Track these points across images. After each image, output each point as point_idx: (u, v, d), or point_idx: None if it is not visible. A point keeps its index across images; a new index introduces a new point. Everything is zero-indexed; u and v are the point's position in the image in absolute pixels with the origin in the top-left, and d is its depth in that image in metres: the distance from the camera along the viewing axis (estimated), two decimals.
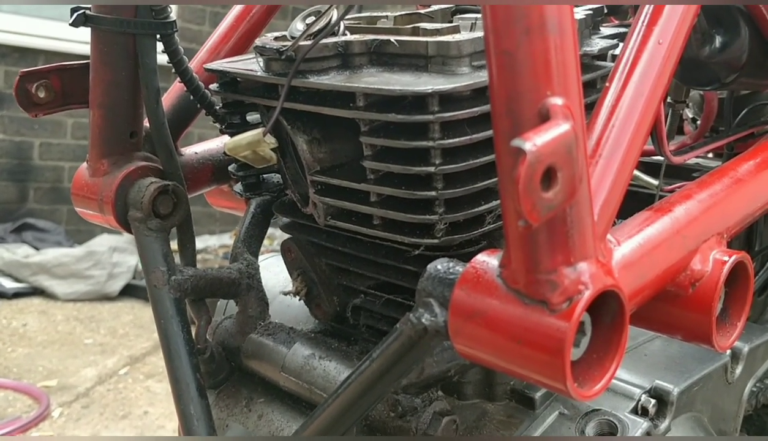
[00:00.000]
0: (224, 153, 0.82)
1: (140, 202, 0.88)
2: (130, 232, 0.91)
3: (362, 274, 0.88)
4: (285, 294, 0.94)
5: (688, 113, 1.46)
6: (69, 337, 3.86)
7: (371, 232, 0.79)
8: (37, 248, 4.38)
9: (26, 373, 3.29)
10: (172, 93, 1.00)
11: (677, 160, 0.82)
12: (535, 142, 0.47)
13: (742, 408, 0.99)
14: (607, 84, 0.65)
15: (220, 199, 1.10)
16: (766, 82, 1.03)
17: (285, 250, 0.93)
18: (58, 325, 4.04)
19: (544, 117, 0.51)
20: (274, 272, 1.07)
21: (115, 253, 4.37)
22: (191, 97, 0.94)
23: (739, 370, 0.96)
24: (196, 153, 1.01)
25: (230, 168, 0.92)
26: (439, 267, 0.62)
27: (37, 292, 4.25)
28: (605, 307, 0.57)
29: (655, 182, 1.13)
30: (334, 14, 0.79)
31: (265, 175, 0.96)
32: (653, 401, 0.82)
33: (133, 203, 0.89)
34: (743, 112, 1.16)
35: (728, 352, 0.94)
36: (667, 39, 0.65)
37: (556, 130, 0.49)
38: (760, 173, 0.76)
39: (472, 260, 0.59)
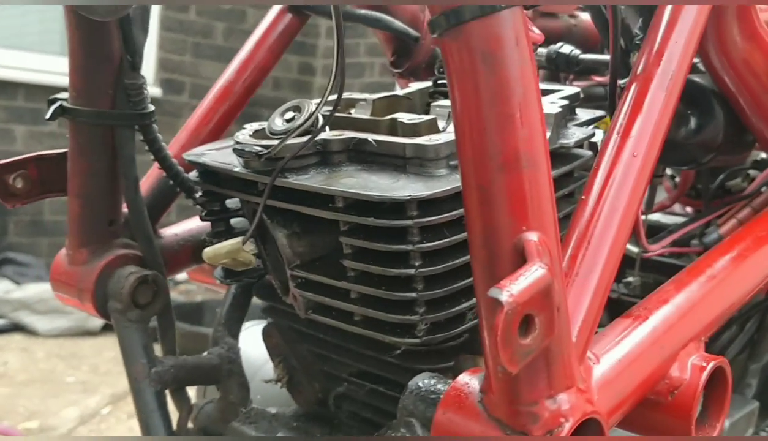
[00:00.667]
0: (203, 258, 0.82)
1: (120, 294, 0.88)
2: (109, 321, 0.90)
3: (344, 362, 0.88)
4: (266, 382, 0.93)
5: (667, 170, 1.48)
6: (50, 375, 3.81)
7: (351, 329, 0.79)
8: (17, 283, 4.33)
9: (7, 414, 3.24)
10: (150, 177, 1.00)
11: (654, 248, 0.83)
12: (512, 291, 0.47)
13: None
14: (583, 196, 0.66)
15: (201, 276, 1.10)
16: (743, 157, 1.05)
17: (266, 336, 0.93)
18: (39, 362, 3.99)
19: (519, 253, 0.51)
20: (256, 343, 1.06)
21: None
22: (170, 182, 0.94)
23: None
24: (175, 235, 1.00)
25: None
26: (420, 385, 0.62)
27: (18, 328, 4.20)
28: (586, 429, 0.58)
29: (635, 249, 1.14)
30: (312, 107, 0.80)
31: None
32: None
33: (112, 294, 0.89)
34: (720, 177, 1.18)
35: None
36: (642, 151, 0.65)
37: (532, 275, 0.49)
38: (736, 268, 0.77)
39: (454, 381, 0.59)
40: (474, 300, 0.76)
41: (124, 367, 0.88)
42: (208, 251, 0.79)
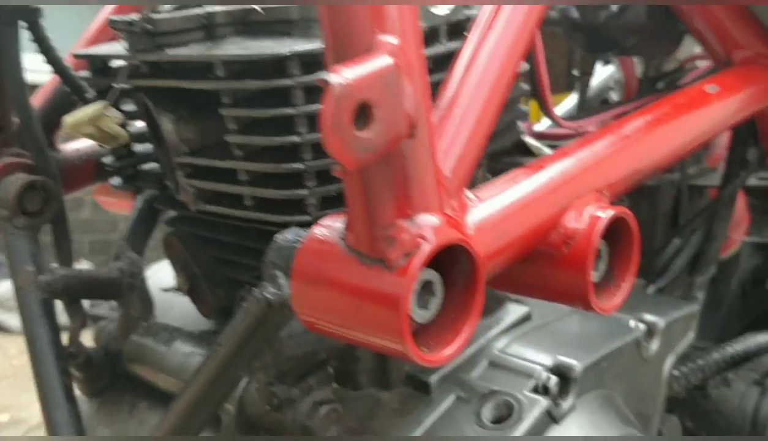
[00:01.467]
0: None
1: (5, 200, 0.82)
2: None
3: (247, 264, 0.82)
4: (166, 291, 0.88)
5: (613, 96, 1.44)
6: (23, 370, 3.73)
7: (244, 214, 0.74)
8: None
9: None
10: (47, 87, 0.95)
11: (568, 125, 0.78)
12: (345, 75, 0.42)
13: (662, 387, 0.94)
14: (466, 33, 0.61)
15: (108, 197, 1.04)
16: (671, 48, 1.01)
17: (167, 245, 0.87)
18: (13, 358, 3.92)
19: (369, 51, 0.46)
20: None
21: None
22: (65, 89, 0.89)
23: (654, 346, 0.91)
24: (77, 149, 0.95)
25: (104, 159, 0.86)
26: (287, 236, 0.57)
27: None
28: (459, 267, 0.53)
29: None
30: None
31: (146, 167, 0.91)
32: (555, 379, 0.77)
33: None
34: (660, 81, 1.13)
35: (642, 326, 0.90)
36: None
37: (374, 63, 0.44)
38: (650, 131, 0.72)
39: (317, 224, 0.54)
40: None
41: (11, 277, 0.83)
42: (68, 119, 0.73)
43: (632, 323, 0.90)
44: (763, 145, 1.10)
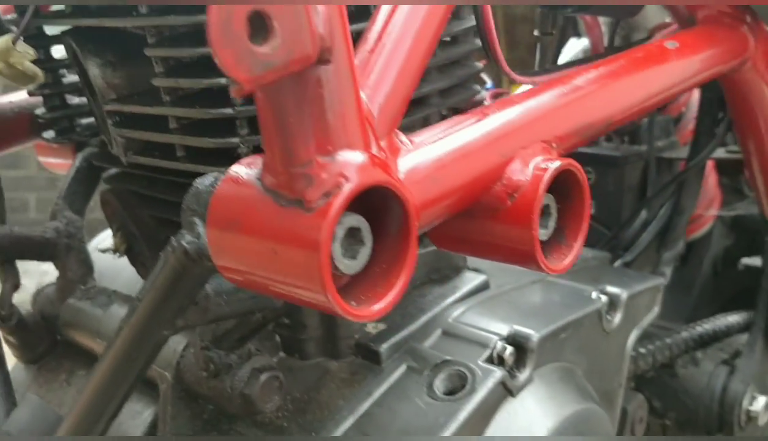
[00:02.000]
0: None
1: None
2: None
3: None
4: (102, 251, 0.83)
5: None
6: None
7: (174, 165, 0.69)
8: None
9: None
10: None
11: (522, 80, 0.74)
12: None
13: (626, 362, 0.91)
14: None
15: (49, 156, 0.99)
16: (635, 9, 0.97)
17: (103, 203, 0.82)
18: None
19: None
20: None
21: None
22: None
23: (617, 318, 0.87)
24: (10, 102, 0.90)
25: (37, 111, 0.81)
26: (206, 180, 0.53)
27: None
28: (390, 216, 0.48)
29: None
30: None
31: (84, 122, 0.86)
32: (510, 349, 0.73)
33: None
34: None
35: (604, 298, 0.86)
36: None
37: None
38: (603, 84, 0.68)
39: (235, 164, 0.49)
40: None
41: None
42: None
43: (594, 294, 0.86)
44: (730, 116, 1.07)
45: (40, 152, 0.98)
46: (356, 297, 0.48)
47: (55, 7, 0.72)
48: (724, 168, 1.48)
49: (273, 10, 0.38)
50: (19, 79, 0.69)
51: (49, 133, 0.83)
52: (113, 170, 0.84)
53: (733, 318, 1.21)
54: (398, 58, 0.52)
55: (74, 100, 0.87)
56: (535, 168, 0.57)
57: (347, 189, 0.44)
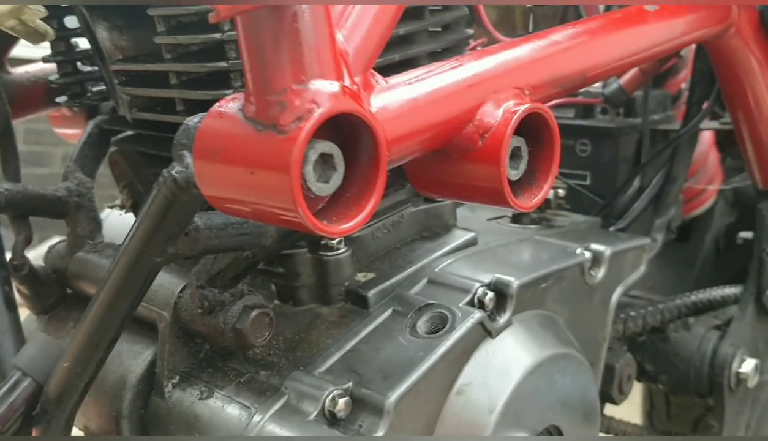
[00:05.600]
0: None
1: None
2: None
3: None
4: (110, 208, 0.88)
5: None
6: None
7: (175, 118, 0.74)
8: None
9: None
10: None
11: (505, 39, 0.78)
12: None
13: (609, 316, 0.94)
14: None
15: (63, 126, 1.04)
16: None
17: (112, 163, 0.88)
18: None
19: None
20: None
21: None
22: None
23: (600, 273, 0.91)
24: (27, 71, 0.95)
25: (51, 77, 0.87)
26: (194, 119, 0.57)
27: None
28: (362, 145, 0.53)
29: None
30: None
31: (93, 88, 0.91)
32: (491, 294, 0.77)
33: None
34: None
35: (588, 254, 0.90)
36: None
37: None
38: (579, 40, 0.72)
39: (222, 98, 0.54)
40: None
41: None
42: None
43: (578, 250, 0.90)
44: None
45: (55, 123, 1.04)
46: (329, 218, 0.52)
47: None
48: (725, 145, 1.50)
49: None
50: (31, 36, 0.74)
51: (62, 98, 0.89)
52: (122, 134, 0.89)
53: (729, 290, 1.23)
54: (373, 5, 0.56)
55: (86, 68, 0.92)
56: (506, 110, 0.61)
57: (318, 113, 0.48)
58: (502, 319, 0.77)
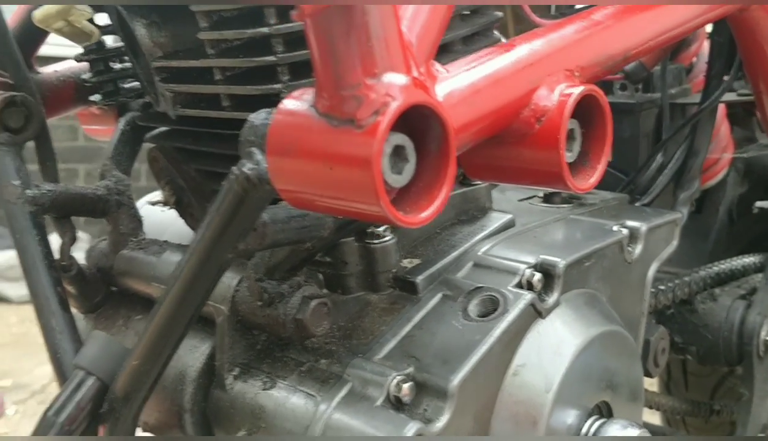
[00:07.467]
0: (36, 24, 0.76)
1: None
2: None
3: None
4: (153, 204, 0.89)
5: None
6: (23, 338, 3.77)
7: (220, 114, 0.74)
8: None
9: None
10: (20, 9, 0.95)
11: (543, 21, 0.78)
12: None
13: (647, 291, 0.95)
14: None
15: (92, 123, 1.04)
16: None
17: (151, 160, 0.88)
18: (12, 327, 3.95)
19: None
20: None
21: None
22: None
23: (638, 250, 0.92)
24: (56, 71, 0.95)
25: (84, 76, 0.87)
26: (260, 115, 0.58)
27: None
28: (430, 136, 0.53)
29: None
30: None
31: (125, 85, 0.91)
32: (538, 275, 0.78)
33: None
34: None
35: (624, 230, 0.91)
36: None
37: None
38: (620, 18, 0.73)
39: (288, 95, 0.55)
40: None
41: None
42: (37, 12, 0.73)
43: (615, 228, 0.91)
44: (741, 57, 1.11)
45: (83, 120, 1.04)
46: (402, 209, 0.53)
47: None
48: (735, 117, 1.51)
49: None
50: (77, 37, 0.74)
51: (96, 96, 0.89)
52: (156, 130, 0.90)
53: (750, 259, 1.25)
54: None
55: (116, 66, 0.92)
56: (561, 93, 0.61)
57: (394, 106, 0.49)
58: (551, 300, 0.78)
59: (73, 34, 0.74)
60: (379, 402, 0.68)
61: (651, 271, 0.96)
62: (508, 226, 0.91)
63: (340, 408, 0.68)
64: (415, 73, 0.52)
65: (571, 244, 0.88)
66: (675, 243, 1.01)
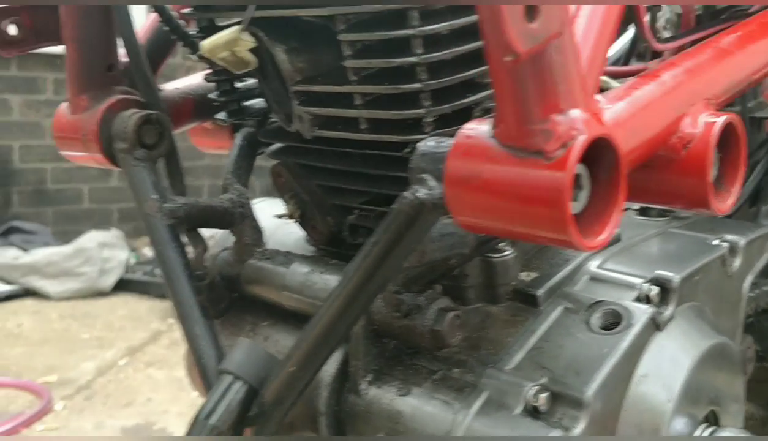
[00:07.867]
0: (200, 57, 0.80)
1: (125, 133, 0.87)
2: (116, 166, 0.90)
3: (354, 190, 0.87)
4: (278, 217, 0.93)
5: (665, 34, 1.46)
6: (65, 334, 3.84)
7: (359, 136, 0.78)
8: (25, 250, 4.35)
9: (25, 370, 3.26)
10: (146, 27, 0.99)
11: (660, 47, 0.82)
12: None
13: (743, 301, 0.99)
14: None
15: (204, 138, 1.09)
16: None
17: (275, 175, 0.92)
18: (54, 323, 4.02)
19: None
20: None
21: (105, 249, 4.35)
22: (164, 29, 0.93)
23: (737, 262, 0.95)
24: (176, 88, 1.00)
25: (210, 95, 0.91)
26: (429, 143, 0.62)
27: (29, 293, 4.22)
28: (601, 162, 0.57)
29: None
30: None
31: (246, 103, 0.95)
32: (656, 289, 0.82)
33: (117, 134, 0.88)
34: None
35: (725, 245, 0.94)
36: None
37: None
38: (743, 45, 0.76)
39: (463, 128, 0.58)
40: (480, 94, 0.75)
41: (137, 204, 0.88)
42: (205, 43, 0.77)
43: (715, 242, 0.95)
44: None
45: (194, 135, 1.08)
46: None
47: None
48: None
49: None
50: (237, 65, 0.78)
51: (222, 114, 0.93)
52: (274, 146, 0.94)
53: None
54: (595, 24, 0.60)
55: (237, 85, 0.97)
56: (705, 122, 0.65)
57: (581, 140, 0.52)
58: (667, 313, 0.82)
59: (236, 63, 0.78)
60: (517, 411, 0.71)
61: (747, 283, 1.00)
62: (616, 240, 0.94)
63: (480, 416, 0.72)
64: (591, 107, 0.56)
65: (679, 258, 0.91)
66: (767, 255, 1.05)
